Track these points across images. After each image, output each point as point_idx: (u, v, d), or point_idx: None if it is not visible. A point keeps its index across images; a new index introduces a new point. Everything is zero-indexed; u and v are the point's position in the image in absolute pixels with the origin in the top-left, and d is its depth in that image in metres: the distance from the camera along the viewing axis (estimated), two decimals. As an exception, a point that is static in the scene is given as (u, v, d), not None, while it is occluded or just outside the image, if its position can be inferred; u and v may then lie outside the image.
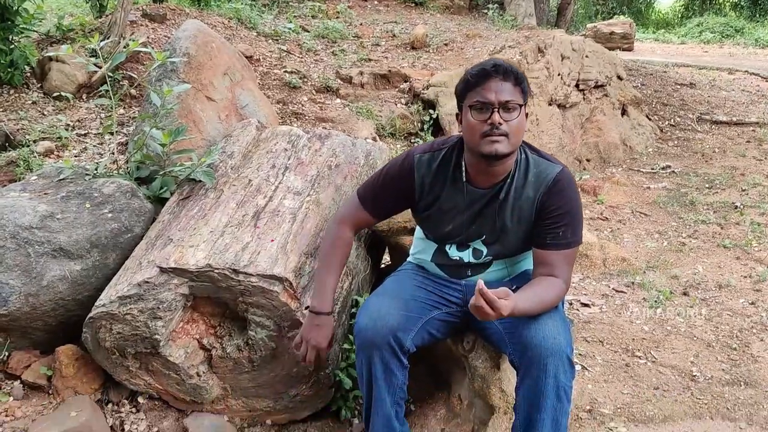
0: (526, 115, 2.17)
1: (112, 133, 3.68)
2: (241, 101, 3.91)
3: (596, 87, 7.23)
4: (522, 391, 2.11)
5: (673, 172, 6.64)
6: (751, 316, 3.76)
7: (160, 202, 3.07)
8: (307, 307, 2.42)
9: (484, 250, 2.34)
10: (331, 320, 2.32)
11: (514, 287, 2.12)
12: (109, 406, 2.70)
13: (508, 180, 2.22)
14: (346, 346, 2.70)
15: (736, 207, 5.53)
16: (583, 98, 7.08)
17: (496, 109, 2.07)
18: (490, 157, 2.10)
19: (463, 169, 2.24)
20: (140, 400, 2.72)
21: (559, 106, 6.63)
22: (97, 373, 2.71)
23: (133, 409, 2.70)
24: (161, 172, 3.12)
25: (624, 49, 13.32)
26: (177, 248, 2.54)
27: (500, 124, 2.07)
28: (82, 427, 2.49)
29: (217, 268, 2.45)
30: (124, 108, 4.23)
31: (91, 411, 2.56)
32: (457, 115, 2.23)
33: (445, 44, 6.79)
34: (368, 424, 2.36)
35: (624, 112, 7.61)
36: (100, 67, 3.88)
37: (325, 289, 2.33)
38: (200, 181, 2.92)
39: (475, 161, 2.19)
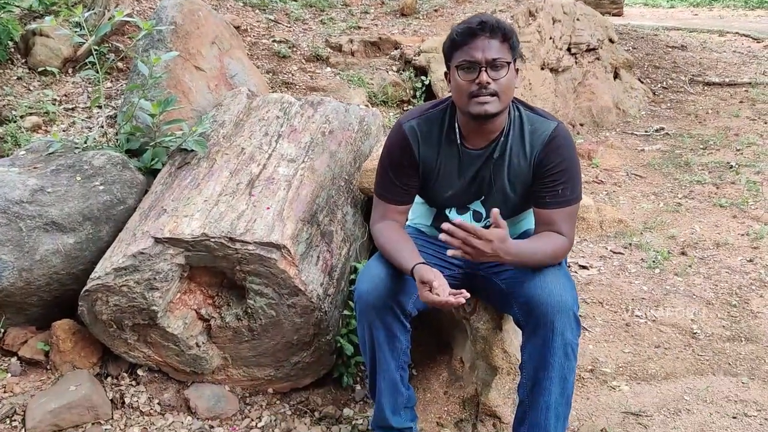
0: (517, 70, 2.12)
1: (100, 107, 3.61)
2: (231, 70, 3.84)
3: (588, 50, 7.15)
4: (528, 349, 2.09)
5: (667, 134, 6.61)
6: (750, 273, 3.75)
7: (151, 173, 3.02)
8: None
9: (484, 212, 2.31)
10: (423, 267, 2.08)
11: None
12: (109, 379, 2.67)
13: (503, 138, 2.17)
14: (346, 312, 2.68)
15: (731, 166, 5.51)
16: (576, 62, 7.00)
17: (484, 68, 2.01)
18: (479, 117, 2.06)
19: (457, 130, 2.20)
20: (140, 372, 2.70)
21: (551, 70, 6.56)
22: (94, 346, 2.68)
23: (133, 382, 2.68)
24: (152, 143, 3.07)
25: (613, 14, 13.19)
26: (171, 218, 2.50)
27: (488, 83, 2.01)
28: (82, 400, 2.47)
29: (213, 237, 2.41)
30: (111, 81, 4.16)
31: (91, 385, 2.54)
32: (445, 74, 2.18)
33: (435, 10, 6.70)
34: (373, 390, 2.33)
35: (616, 76, 7.55)
36: (86, 40, 3.80)
37: (403, 252, 2.14)
38: (192, 150, 2.87)
39: (467, 121, 2.15)
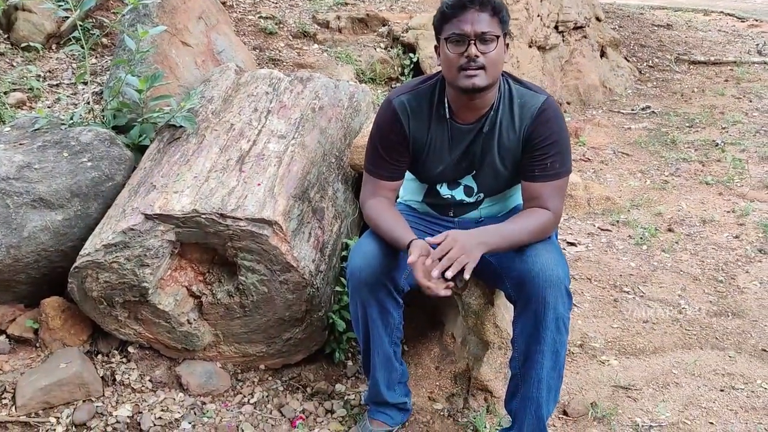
0: (507, 45, 2.11)
1: (85, 83, 3.56)
2: (218, 46, 3.80)
3: (575, 28, 7.14)
4: (520, 323, 2.10)
5: (653, 112, 6.64)
6: (736, 249, 3.79)
7: (139, 150, 2.98)
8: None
9: (475, 187, 2.30)
10: (419, 241, 2.07)
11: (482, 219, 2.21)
12: (99, 356, 2.66)
13: (492, 112, 2.16)
14: (338, 288, 2.68)
15: (717, 144, 5.55)
16: (563, 40, 6.99)
17: (473, 41, 1.99)
18: (468, 90, 2.04)
19: (446, 105, 2.18)
20: (130, 349, 2.68)
21: (539, 48, 6.55)
22: (84, 324, 2.66)
23: (124, 359, 2.67)
24: (139, 120, 3.03)
25: (599, -7, 13.17)
26: (161, 194, 2.48)
27: (477, 56, 1.99)
28: (73, 378, 2.46)
29: (204, 213, 2.39)
30: (96, 57, 4.10)
31: (81, 362, 2.52)
32: (435, 47, 2.16)
33: (422, -13, 6.66)
34: (367, 366, 2.34)
35: (603, 54, 7.55)
36: (70, 15, 3.74)
37: (398, 229, 2.13)
38: (181, 126, 2.84)
39: (456, 96, 2.13)
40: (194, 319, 2.59)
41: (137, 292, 2.48)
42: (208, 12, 3.81)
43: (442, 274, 1.93)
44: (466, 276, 1.93)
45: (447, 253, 1.94)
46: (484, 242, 2.00)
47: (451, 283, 1.96)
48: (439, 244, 1.97)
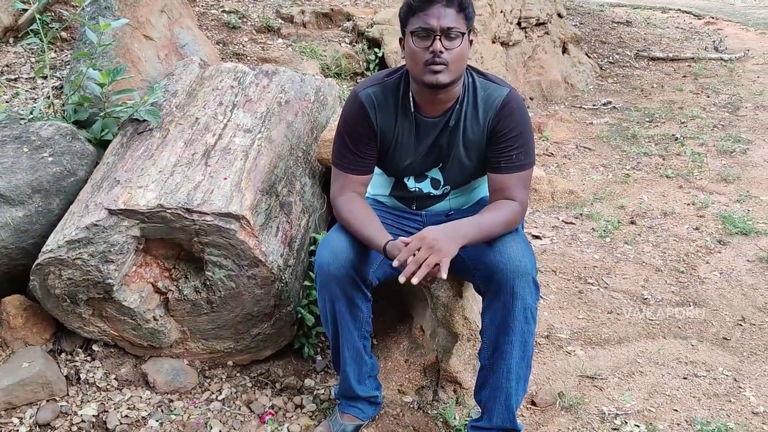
0: (471, 41, 2.12)
1: (45, 77, 3.48)
2: (181, 40, 3.75)
3: (537, 25, 7.22)
4: (489, 314, 2.12)
5: (614, 107, 6.74)
6: (696, 240, 3.87)
7: (101, 144, 2.93)
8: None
9: (441, 179, 2.31)
10: (394, 242, 2.06)
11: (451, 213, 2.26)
12: (63, 355, 2.61)
13: (457, 106, 2.17)
14: (306, 283, 2.67)
15: (677, 138, 5.66)
16: (525, 36, 7.06)
17: (439, 36, 2.00)
18: (431, 86, 2.05)
19: (411, 99, 2.19)
20: (95, 347, 2.64)
21: (502, 44, 6.60)
22: (47, 322, 2.61)
23: (88, 358, 2.62)
24: (101, 114, 2.98)
25: (560, -10, 13.33)
26: (125, 189, 2.44)
27: (442, 52, 2.00)
28: (36, 377, 2.41)
29: (170, 208, 2.36)
30: (56, 51, 4.01)
31: (44, 361, 2.47)
32: (400, 40, 2.16)
33: (386, -18, 6.65)
34: (336, 361, 2.33)
35: (565, 50, 7.64)
36: (28, 8, 3.65)
37: (371, 228, 2.12)
38: (144, 120, 2.80)
39: (421, 90, 2.13)
40: (160, 316, 2.55)
41: (101, 288, 2.43)
42: (171, 5, 3.76)
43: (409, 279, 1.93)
44: (443, 276, 1.93)
45: (415, 255, 1.93)
46: (461, 235, 2.00)
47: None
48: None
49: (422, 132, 2.21)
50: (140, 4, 3.49)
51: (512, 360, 2.11)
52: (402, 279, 1.94)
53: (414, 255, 1.94)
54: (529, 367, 2.19)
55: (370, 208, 2.23)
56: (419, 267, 1.92)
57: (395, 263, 1.97)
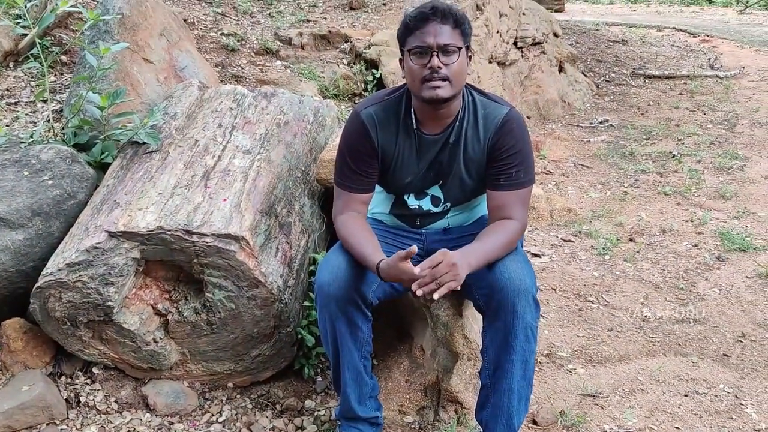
0: (469, 57, 2.15)
1: (45, 100, 3.50)
2: (180, 63, 3.77)
3: (534, 44, 7.27)
4: (490, 333, 2.12)
5: (611, 125, 6.77)
6: (695, 257, 3.88)
7: (101, 167, 2.94)
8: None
9: (442, 197, 2.33)
10: (387, 261, 2.04)
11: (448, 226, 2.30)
12: (63, 378, 2.60)
13: (458, 123, 2.20)
14: (306, 303, 2.67)
15: (674, 156, 5.68)
16: (522, 56, 7.11)
17: (436, 53, 2.03)
18: (432, 101, 2.08)
19: (413, 116, 2.21)
20: (95, 370, 2.63)
21: (499, 63, 6.64)
22: (47, 345, 2.61)
23: (88, 380, 2.61)
24: (101, 137, 2.99)
25: (555, 10, 13.40)
26: (125, 212, 2.45)
27: (440, 68, 2.04)
28: (36, 401, 2.40)
29: (170, 230, 2.37)
30: (56, 75, 4.03)
31: (44, 384, 2.47)
32: (400, 60, 2.20)
33: (384, 3, 6.70)
34: (337, 382, 2.32)
35: (561, 69, 7.69)
36: (28, 32, 3.68)
37: (367, 247, 2.12)
38: (144, 143, 2.82)
39: (421, 107, 2.17)
40: (160, 338, 2.55)
41: (101, 311, 2.44)
42: (170, 29, 3.79)
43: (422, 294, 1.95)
44: (436, 296, 1.94)
45: (436, 267, 1.95)
46: (468, 263, 2.01)
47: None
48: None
49: (423, 149, 2.24)
50: (140, 27, 3.52)
51: (513, 379, 2.11)
52: (419, 292, 1.94)
53: (433, 269, 1.95)
54: (531, 386, 2.18)
55: (369, 228, 2.24)
56: (434, 282, 1.94)
57: (416, 270, 1.96)
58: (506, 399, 2.12)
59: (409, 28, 2.08)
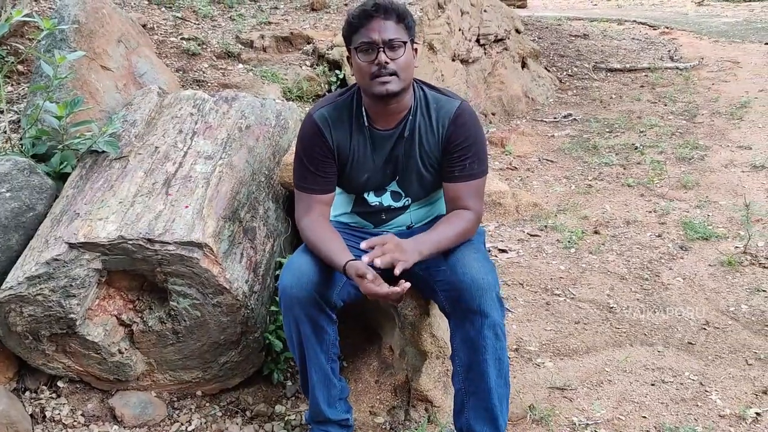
0: (415, 50, 2.18)
1: (1, 111, 3.43)
2: (139, 69, 3.73)
3: (496, 41, 7.32)
4: (459, 336, 2.13)
5: (575, 119, 6.84)
6: (659, 247, 3.94)
7: (61, 178, 2.89)
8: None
9: (401, 192, 2.34)
10: (355, 263, 2.05)
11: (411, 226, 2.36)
12: (27, 393, 2.56)
13: (410, 117, 2.24)
14: (273, 308, 2.66)
15: (636, 148, 5.76)
16: (485, 53, 7.15)
17: (382, 49, 2.07)
18: (382, 96, 2.11)
19: (364, 113, 2.23)
20: (60, 384, 2.60)
21: (462, 61, 6.67)
22: (9, 361, 2.56)
23: (54, 395, 2.58)
24: (60, 147, 2.94)
25: (518, 6, 13.53)
26: (85, 222, 2.41)
27: (387, 63, 2.07)
28: (0, 417, 2.36)
29: (131, 239, 2.34)
30: (12, 85, 3.96)
31: (8, 401, 2.42)
32: (348, 58, 2.21)
33: (346, 4, 6.68)
34: (305, 386, 2.31)
35: (524, 65, 7.75)
36: (-19, 42, 3.61)
37: (333, 248, 2.13)
38: (103, 152, 2.78)
39: (372, 103, 2.20)
40: (126, 349, 2.52)
41: (64, 324, 2.40)
42: (128, 35, 3.74)
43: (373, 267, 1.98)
44: (397, 271, 1.96)
45: (383, 245, 1.99)
46: (419, 251, 2.05)
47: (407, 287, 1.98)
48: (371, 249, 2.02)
49: (377, 145, 2.26)
50: (96, 35, 3.47)
51: (490, 379, 2.11)
52: (365, 258, 1.97)
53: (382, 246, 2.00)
54: (508, 384, 2.19)
55: (333, 229, 2.25)
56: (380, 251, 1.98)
57: (363, 245, 2.01)
58: (487, 400, 2.12)
59: (353, 26, 2.12)
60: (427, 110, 2.25)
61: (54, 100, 2.92)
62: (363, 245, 2.02)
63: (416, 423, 2.50)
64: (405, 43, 2.10)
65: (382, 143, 2.25)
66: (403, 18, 2.11)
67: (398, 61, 2.09)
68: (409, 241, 2.07)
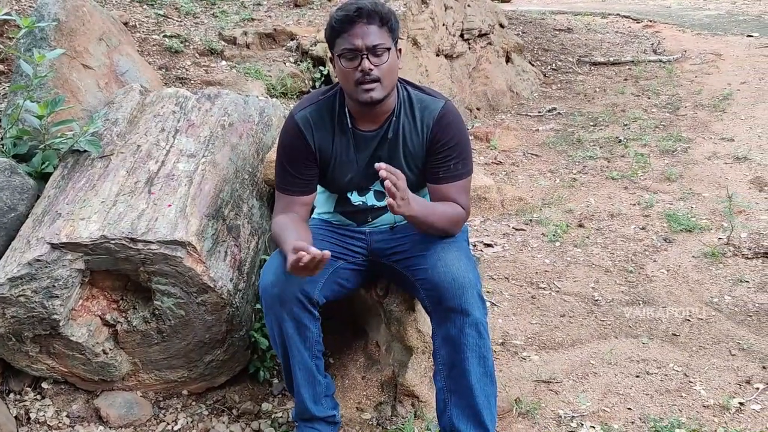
0: (399, 51, 2.16)
1: (-20, 111, 3.40)
2: (121, 67, 3.70)
3: (480, 36, 7.32)
4: (441, 334, 2.13)
5: (559, 113, 6.86)
6: (643, 239, 3.96)
7: (42, 178, 2.87)
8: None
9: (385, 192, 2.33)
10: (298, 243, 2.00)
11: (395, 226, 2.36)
12: (11, 395, 2.54)
13: (394, 118, 2.22)
14: (258, 306, 2.65)
15: (620, 141, 5.78)
16: (469, 48, 7.15)
17: (365, 55, 2.04)
18: (367, 103, 2.10)
19: (347, 114, 2.22)
20: (44, 385, 2.58)
21: (446, 56, 6.67)
22: (-7, 363, 2.55)
23: (38, 396, 2.56)
24: (41, 147, 2.92)
25: (502, 1, 13.54)
26: (67, 222, 2.40)
27: (371, 69, 2.04)
28: (-17, 420, 2.34)
29: (114, 239, 2.33)
30: (-8, 84, 3.93)
31: (-9, 403, 2.41)
32: (331, 59, 2.20)
33: (329, 0, 6.68)
34: (290, 384, 2.31)
35: (508, 60, 7.76)
36: (-41, 41, 3.57)
37: (287, 237, 2.08)
38: (85, 151, 2.76)
39: (356, 106, 2.19)
40: (110, 349, 2.51)
41: (48, 325, 2.39)
42: (109, 33, 3.72)
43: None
44: (387, 202, 1.95)
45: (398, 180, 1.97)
46: (413, 207, 2.03)
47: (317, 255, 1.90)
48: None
49: (360, 146, 2.25)
50: (77, 33, 3.44)
51: (472, 377, 2.10)
52: (383, 173, 1.93)
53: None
54: (494, 383, 2.17)
55: (299, 224, 2.21)
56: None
57: (380, 165, 1.94)
58: (469, 398, 2.11)
59: (336, 30, 2.08)
60: (411, 110, 2.23)
61: (35, 100, 2.90)
62: (380, 166, 1.94)
63: (403, 418, 2.50)
64: (389, 49, 2.07)
65: (365, 144, 2.24)
66: (386, 21, 2.07)
67: (382, 67, 2.06)
68: (412, 195, 2.04)
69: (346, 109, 2.22)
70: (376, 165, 1.95)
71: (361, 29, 2.03)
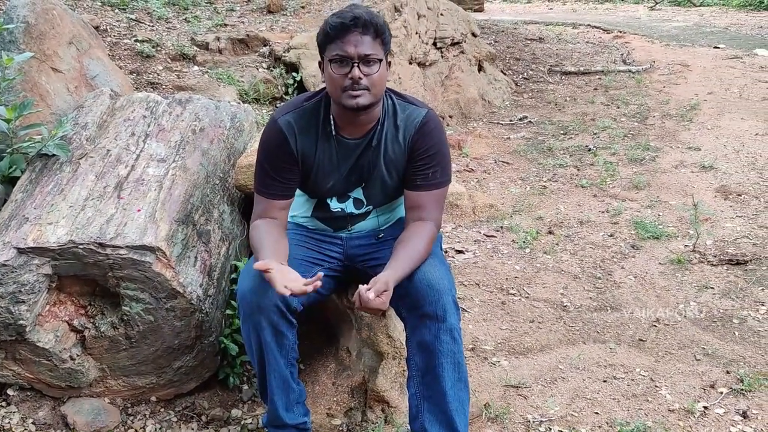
0: (389, 63, 2.18)
1: (-54, 114, 3.35)
2: (91, 71, 3.67)
3: (453, 44, 7.38)
4: (415, 340, 2.13)
5: (530, 122, 6.94)
6: (611, 246, 4.02)
7: (10, 182, 2.84)
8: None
9: (364, 199, 2.34)
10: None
11: (381, 236, 2.35)
12: (-25, 403, 2.51)
13: (378, 127, 2.22)
14: (228, 312, 2.64)
15: (590, 149, 5.86)
16: (441, 56, 7.21)
17: (356, 63, 2.04)
18: (353, 109, 2.10)
19: (332, 121, 2.22)
20: (10, 392, 2.54)
21: (419, 64, 6.72)
22: (-44, 369, 2.50)
23: (3, 403, 2.52)
24: (8, 150, 2.88)
25: (475, 10, 13.70)
26: (34, 227, 2.37)
27: (361, 78, 2.05)
28: (-54, 428, 2.30)
29: (82, 244, 2.31)
30: (-42, 87, 3.87)
31: (-46, 410, 2.37)
32: (319, 63, 2.20)
33: (302, 6, 6.70)
34: (263, 390, 2.29)
35: (480, 68, 7.83)
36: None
37: (264, 250, 2.11)
38: (53, 155, 2.73)
39: (341, 112, 2.18)
40: (77, 355, 2.48)
41: (14, 330, 2.35)
42: (80, 37, 3.69)
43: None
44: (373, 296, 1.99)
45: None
46: (395, 279, 2.05)
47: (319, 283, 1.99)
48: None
49: (343, 153, 2.25)
50: (47, 36, 3.41)
51: (446, 382, 2.11)
52: (372, 296, 1.99)
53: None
54: (468, 388, 2.18)
55: (278, 233, 2.22)
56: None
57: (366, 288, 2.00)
58: (443, 403, 2.11)
59: (330, 36, 2.08)
60: (394, 119, 2.24)
61: (2, 103, 2.87)
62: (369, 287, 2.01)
63: (373, 424, 2.51)
64: (380, 60, 2.08)
65: (348, 152, 2.24)
66: (380, 33, 2.08)
67: (372, 77, 2.06)
68: (391, 281, 2.04)
69: (331, 116, 2.22)
70: (362, 292, 2.00)
71: (356, 38, 2.04)
